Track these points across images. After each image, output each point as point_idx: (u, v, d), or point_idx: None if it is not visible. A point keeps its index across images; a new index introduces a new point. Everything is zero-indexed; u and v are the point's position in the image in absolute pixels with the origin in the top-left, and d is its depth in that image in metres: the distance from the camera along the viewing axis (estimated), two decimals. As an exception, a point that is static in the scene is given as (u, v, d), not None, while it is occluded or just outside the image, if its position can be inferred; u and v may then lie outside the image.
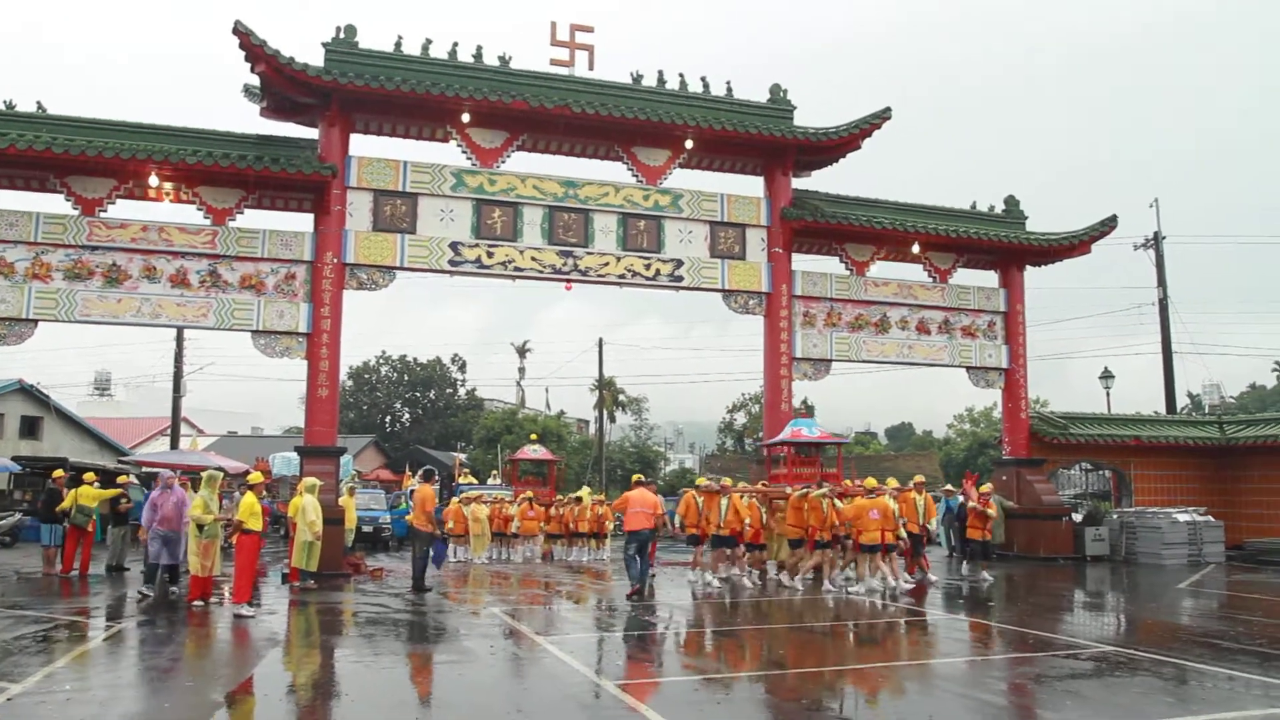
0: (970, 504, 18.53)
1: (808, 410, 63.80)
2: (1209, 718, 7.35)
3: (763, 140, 21.73)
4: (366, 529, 26.11)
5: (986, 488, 19.40)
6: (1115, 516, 24.55)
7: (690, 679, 8.88)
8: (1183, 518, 23.23)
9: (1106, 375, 35.17)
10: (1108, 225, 24.44)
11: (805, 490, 16.59)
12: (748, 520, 17.19)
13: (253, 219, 19.55)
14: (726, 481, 18.09)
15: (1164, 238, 33.29)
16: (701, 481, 18.27)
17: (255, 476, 14.15)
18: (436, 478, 17.36)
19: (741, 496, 17.48)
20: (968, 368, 24.28)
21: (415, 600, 14.80)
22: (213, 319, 18.74)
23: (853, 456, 25.23)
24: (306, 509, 15.81)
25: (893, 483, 18.04)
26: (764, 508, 17.84)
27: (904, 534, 16.72)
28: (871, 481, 17.32)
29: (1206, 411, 57.54)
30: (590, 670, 9.20)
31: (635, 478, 17.90)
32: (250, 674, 9.13)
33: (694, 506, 17.32)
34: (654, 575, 17.63)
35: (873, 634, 12.23)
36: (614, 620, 13.35)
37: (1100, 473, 28.21)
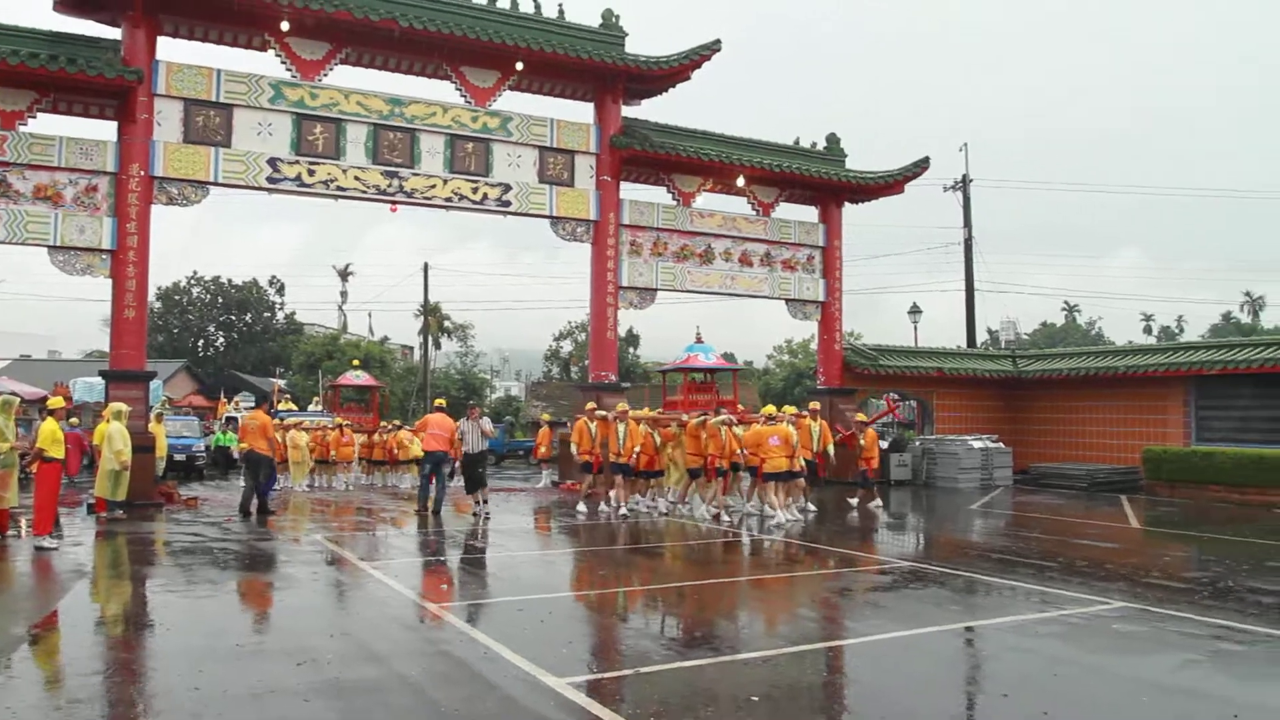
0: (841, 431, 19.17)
1: (633, 339, 64.83)
2: (990, 621, 8.07)
3: (594, 66, 21.60)
4: (179, 457, 25.20)
5: (861, 416, 19.94)
6: (918, 443, 26.14)
7: (511, 599, 9.06)
8: (977, 444, 24.97)
9: (915, 310, 37.07)
10: (920, 166, 25.59)
11: (704, 417, 16.42)
12: (637, 447, 16.91)
13: (48, 124, 18.16)
14: (623, 407, 17.79)
15: (971, 180, 35.10)
16: (592, 406, 18.10)
17: (56, 401, 13.40)
18: (280, 404, 17.52)
19: (638, 424, 17.21)
20: (787, 300, 25.12)
21: (232, 529, 14.44)
22: (2, 232, 17.32)
23: (680, 385, 25.82)
24: (113, 436, 15.06)
25: (790, 409, 18.31)
26: (655, 434, 17.53)
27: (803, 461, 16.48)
28: (770, 409, 17.63)
29: (1003, 347, 61.59)
30: (413, 593, 9.27)
31: (437, 402, 18.33)
32: (55, 607, 8.77)
33: (587, 433, 17.26)
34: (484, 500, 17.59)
35: (695, 554, 12.73)
36: (439, 545, 13.43)
37: (907, 402, 29.89)
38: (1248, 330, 74.42)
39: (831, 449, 18.39)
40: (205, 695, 5.67)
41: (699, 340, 22.90)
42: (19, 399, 14.78)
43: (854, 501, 18.72)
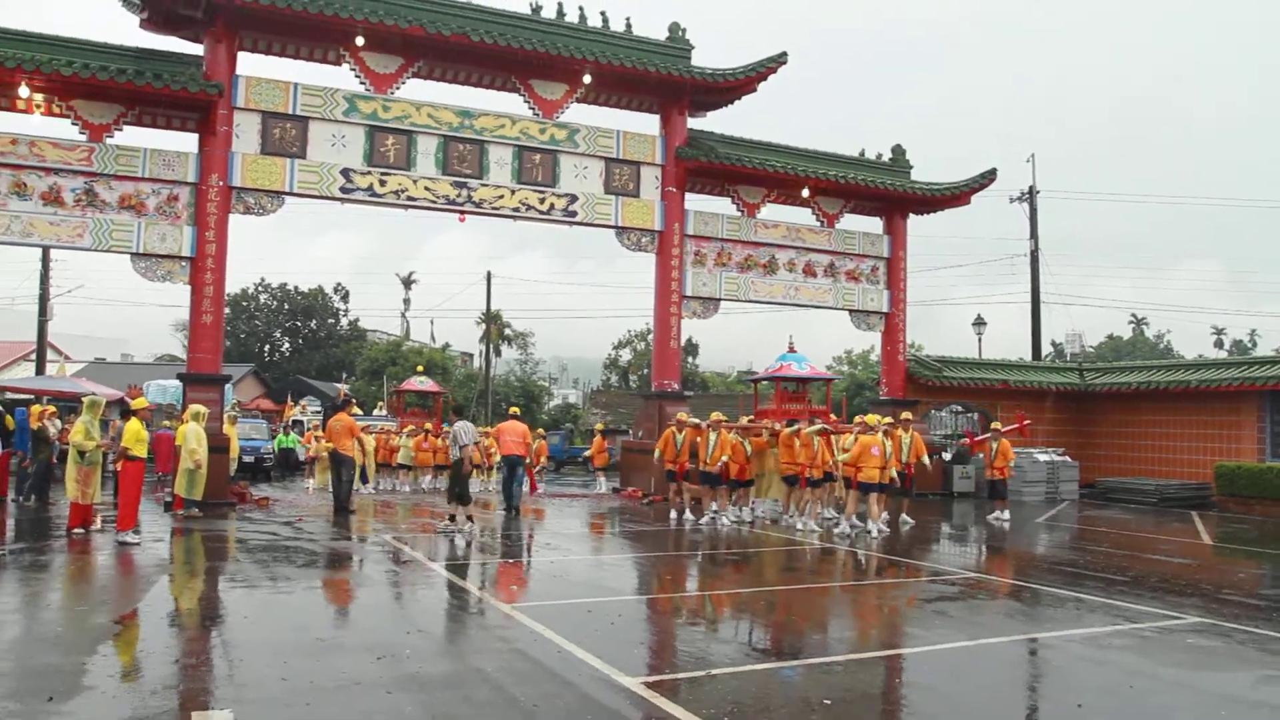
0: (975, 438, 18.86)
1: (691, 348, 64.91)
2: (1060, 633, 8.03)
3: (660, 79, 21.80)
4: (248, 459, 25.75)
5: (997, 425, 19.61)
6: (981, 456, 25.83)
7: (580, 601, 9.20)
8: (1043, 457, 24.67)
9: (979, 322, 36.72)
10: (987, 178, 25.39)
11: (796, 426, 16.35)
12: (725, 458, 16.63)
13: (133, 137, 18.75)
14: (717, 416, 17.74)
15: (1038, 191, 34.70)
16: (683, 416, 18.02)
17: (140, 402, 13.83)
18: (354, 406, 17.95)
19: (730, 433, 17.04)
20: (850, 310, 25.06)
21: (304, 528, 14.80)
22: (89, 239, 18.02)
23: (737, 395, 25.97)
24: (190, 437, 15.54)
25: (883, 420, 18.13)
26: (747, 444, 17.33)
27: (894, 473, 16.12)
28: (873, 418, 17.43)
29: (1068, 359, 60.60)
30: (486, 593, 9.45)
31: (511, 410, 18.93)
32: (141, 599, 9.09)
33: (672, 442, 17.24)
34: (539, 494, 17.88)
35: (773, 562, 12.78)
36: (500, 546, 13.64)
37: (970, 415, 29.59)
38: (1324, 346, 72.36)
39: (927, 459, 18.03)
40: (293, 686, 5.88)
41: (791, 349, 22.93)
42: (104, 400, 15.30)
43: (994, 516, 18.37)
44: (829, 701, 5.82)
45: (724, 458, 16.54)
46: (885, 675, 6.65)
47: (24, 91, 17.53)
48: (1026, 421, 20.08)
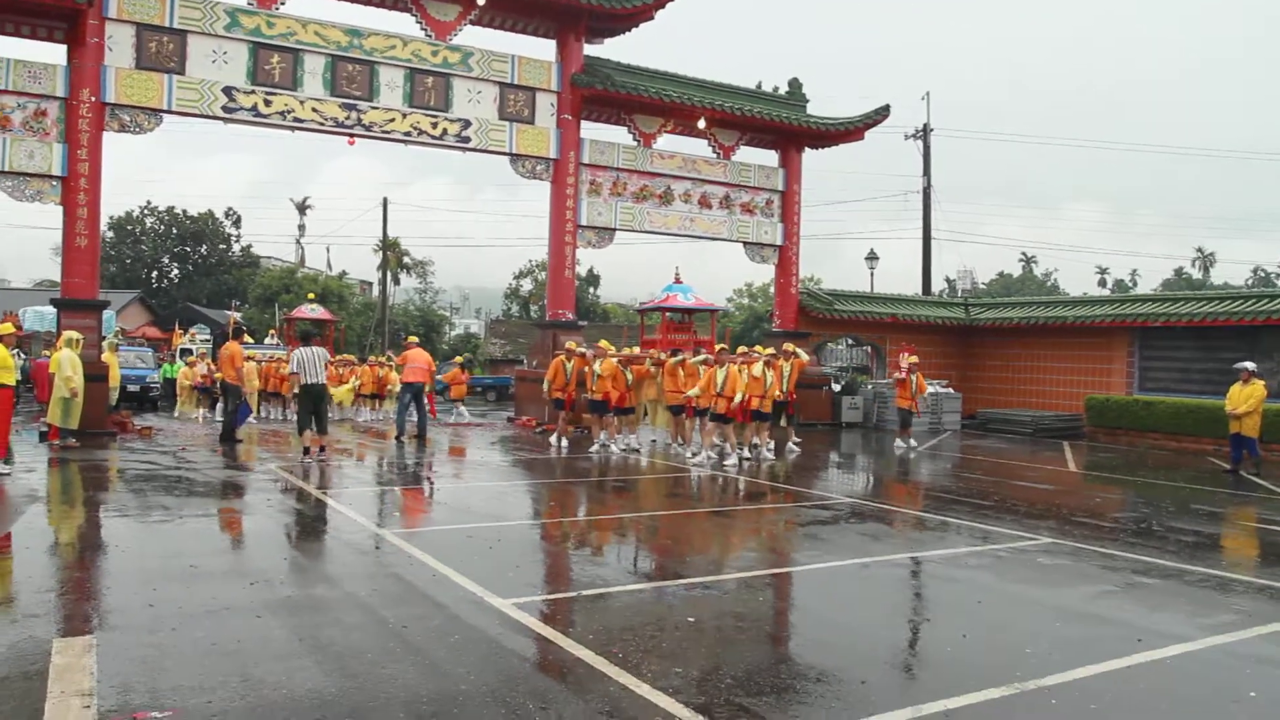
0: (896, 375, 19.24)
1: (593, 279, 64.85)
2: (923, 554, 8.43)
3: (556, 2, 21.42)
4: (133, 388, 25.03)
5: (914, 359, 20.07)
6: (870, 387, 26.61)
7: (461, 526, 9.29)
8: (928, 389, 25.45)
9: (872, 256, 37.37)
10: (881, 114, 25.71)
11: (681, 356, 16.52)
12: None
13: (-6, 47, 17.72)
14: (603, 344, 17.80)
15: (932, 130, 35.32)
16: (571, 345, 18.00)
17: (6, 327, 13.27)
18: (245, 335, 17.62)
19: (613, 361, 17.11)
20: (745, 243, 25.30)
21: (186, 457, 14.53)
22: (-51, 156, 17.05)
23: (640, 325, 26.20)
24: (63, 364, 15.01)
25: (765, 351, 18.34)
26: (628, 372, 17.32)
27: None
28: (742, 348, 17.53)
29: (959, 295, 62.32)
30: (369, 521, 9.46)
31: (410, 339, 18.86)
32: (9, 529, 8.85)
33: (562, 371, 17.29)
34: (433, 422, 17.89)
35: (653, 489, 13.03)
36: (393, 475, 13.63)
37: (863, 348, 30.33)
38: (1198, 285, 75.85)
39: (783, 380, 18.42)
40: (160, 612, 5.85)
41: (678, 280, 23.09)
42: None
43: (902, 444, 18.94)
44: (692, 619, 6.04)
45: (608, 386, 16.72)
46: (753, 594, 6.90)
47: (-128, -6, 16.38)
48: (913, 359, 20.54)
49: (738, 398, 15.36)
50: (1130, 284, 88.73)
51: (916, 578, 7.71)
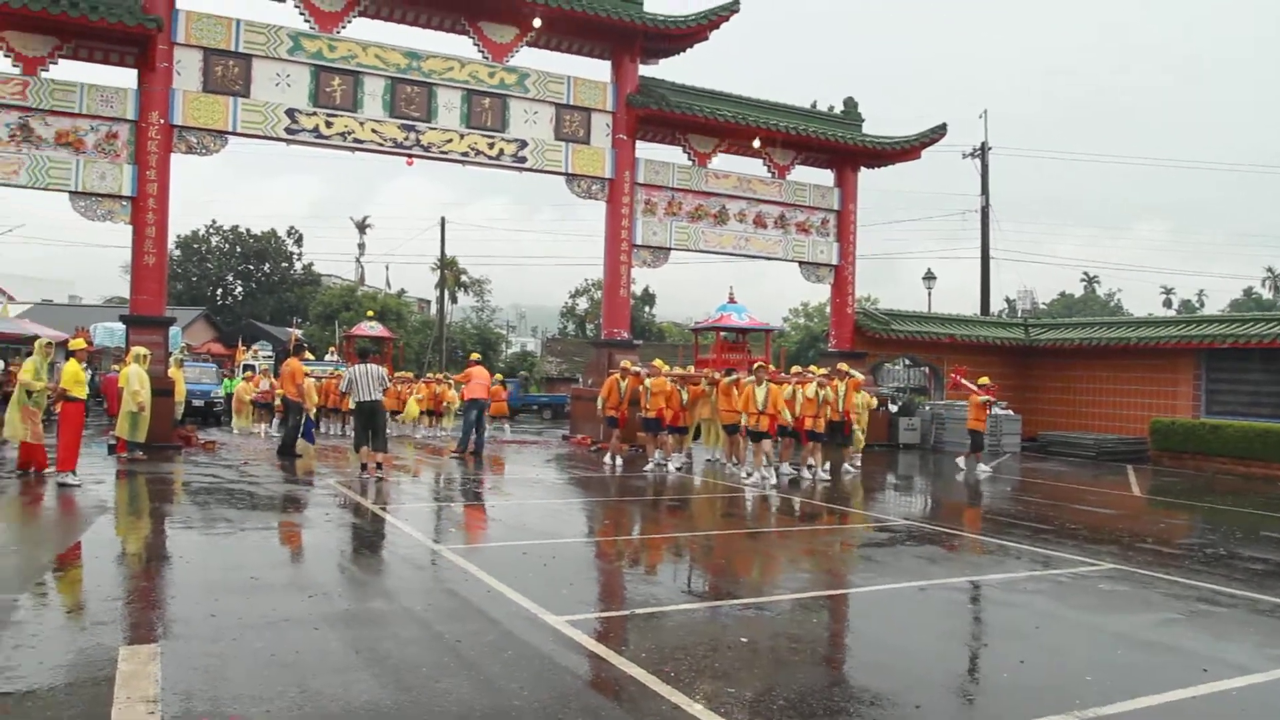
0: (976, 397, 18.93)
1: (648, 298, 65.00)
2: (981, 578, 8.31)
3: (612, 24, 21.60)
4: (197, 403, 25.58)
5: (985, 380, 19.79)
6: (927, 408, 26.31)
7: (516, 543, 9.34)
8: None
9: (929, 276, 37.10)
10: (937, 132, 25.53)
11: (735, 376, 16.41)
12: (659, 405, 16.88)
13: (69, 71, 18.28)
14: (658, 363, 17.86)
15: (990, 148, 34.96)
16: (626, 364, 18.10)
17: (78, 343, 13.71)
18: (306, 352, 17.95)
19: (666, 380, 17.20)
20: (800, 262, 25.22)
21: (249, 471, 14.80)
22: (25, 176, 17.60)
23: (694, 345, 26.24)
24: (132, 379, 15.40)
25: (817, 370, 18.29)
26: (683, 391, 17.40)
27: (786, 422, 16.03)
28: (796, 369, 17.48)
29: (1019, 316, 61.49)
30: (425, 537, 9.56)
31: (473, 356, 19.09)
32: (79, 539, 9.09)
33: (616, 390, 17.38)
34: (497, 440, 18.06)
35: (708, 508, 13.01)
36: (450, 492, 13.76)
37: (920, 368, 30.01)
38: (1267, 306, 73.97)
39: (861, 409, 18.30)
40: (221, 623, 5.96)
41: (731, 300, 23.11)
42: (52, 343, 15.09)
43: (960, 462, 18.75)
44: (746, 640, 6.01)
45: (661, 404, 16.85)
46: (807, 616, 6.85)
47: (-47, 22, 17.00)
48: (964, 380, 20.22)
49: (785, 414, 15.30)
50: (1197, 304, 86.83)
51: (974, 602, 7.60)
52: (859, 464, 18.27)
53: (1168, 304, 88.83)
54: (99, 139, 18.13)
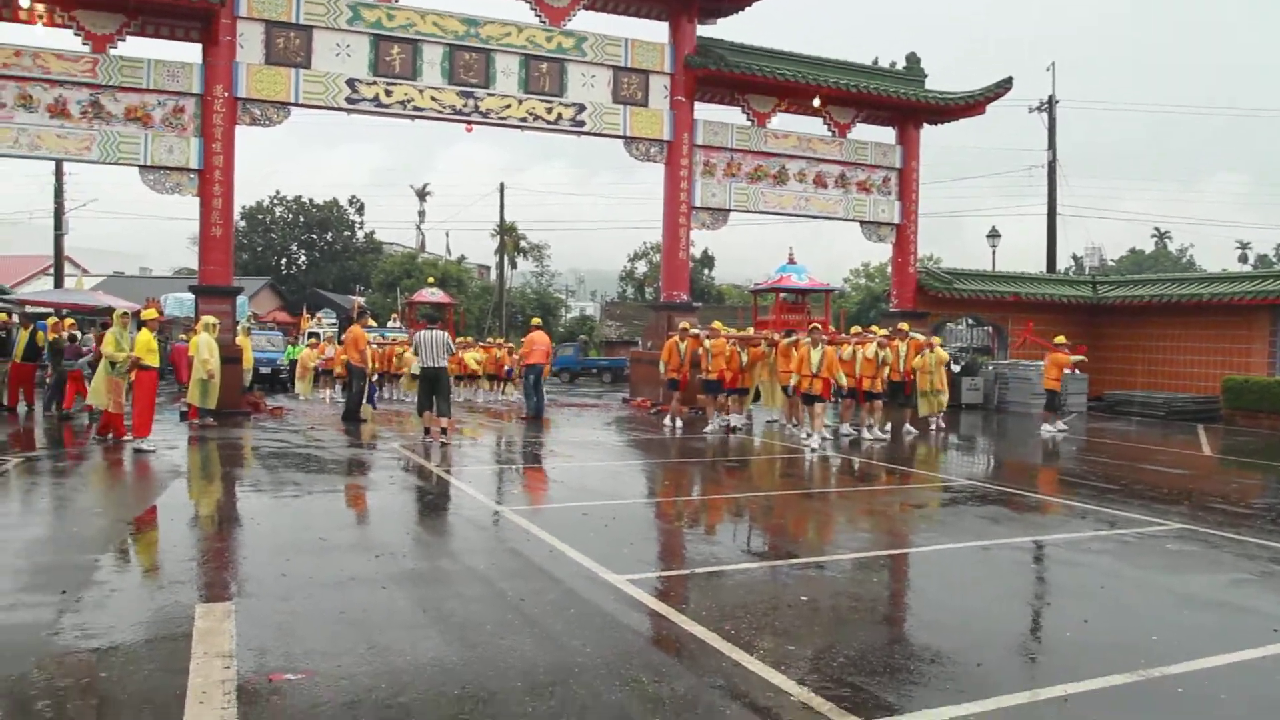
0: (1060, 356, 18.67)
1: (707, 260, 64.74)
2: (1046, 538, 8.22)
3: (669, -17, 21.39)
4: (264, 370, 26.12)
5: (1061, 339, 19.51)
6: (991, 368, 25.94)
7: (577, 504, 9.44)
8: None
9: (993, 234, 36.44)
10: (1002, 87, 24.93)
11: (795, 337, 16.32)
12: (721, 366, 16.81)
13: (136, 47, 18.70)
14: (717, 325, 17.78)
15: (1057, 101, 34.08)
16: (685, 325, 18.10)
17: (150, 313, 14.07)
18: (368, 319, 18.28)
19: (727, 342, 17.14)
20: (861, 222, 24.89)
21: (315, 436, 15.12)
22: (97, 152, 18.02)
23: (753, 306, 26.13)
24: (202, 348, 15.79)
25: (880, 331, 18.10)
26: (743, 353, 17.21)
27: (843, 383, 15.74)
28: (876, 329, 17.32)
29: (1087, 273, 60.14)
30: (488, 498, 9.71)
31: (534, 321, 19.18)
32: (155, 502, 9.39)
33: (675, 351, 17.45)
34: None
35: (761, 469, 13.02)
36: (511, 455, 13.93)
37: (984, 327, 29.57)
38: (1349, 258, 71.41)
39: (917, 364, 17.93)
40: (292, 581, 6.13)
41: (791, 261, 22.93)
42: (128, 313, 15.51)
43: (1049, 429, 18.31)
44: (805, 598, 6.04)
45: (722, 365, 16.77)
46: (867, 575, 6.85)
47: (25, 1, 17.38)
48: (1040, 339, 19.82)
49: (841, 378, 15.15)
50: (1275, 260, 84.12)
51: (1038, 562, 7.53)
52: (943, 424, 17.99)
53: (1243, 259, 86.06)
54: (166, 113, 18.47)
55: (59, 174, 34.35)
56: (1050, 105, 34.09)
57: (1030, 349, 27.00)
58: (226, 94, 18.63)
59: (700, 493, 10.97)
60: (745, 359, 17.22)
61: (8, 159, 18.25)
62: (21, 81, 17.54)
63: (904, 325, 18.19)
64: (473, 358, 25.18)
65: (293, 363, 28.93)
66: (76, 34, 18.05)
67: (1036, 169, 35.66)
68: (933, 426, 17.70)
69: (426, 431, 14.52)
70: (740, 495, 10.63)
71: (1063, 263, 44.04)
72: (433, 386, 14.52)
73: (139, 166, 18.35)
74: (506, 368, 25.28)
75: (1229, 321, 23.62)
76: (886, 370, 16.75)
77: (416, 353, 14.91)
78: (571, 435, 16.46)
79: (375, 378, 23.07)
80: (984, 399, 25.00)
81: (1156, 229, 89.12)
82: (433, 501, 9.78)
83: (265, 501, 9.32)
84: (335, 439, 14.94)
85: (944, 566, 7.19)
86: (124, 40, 18.40)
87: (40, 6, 17.73)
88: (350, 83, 19.60)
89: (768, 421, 18.64)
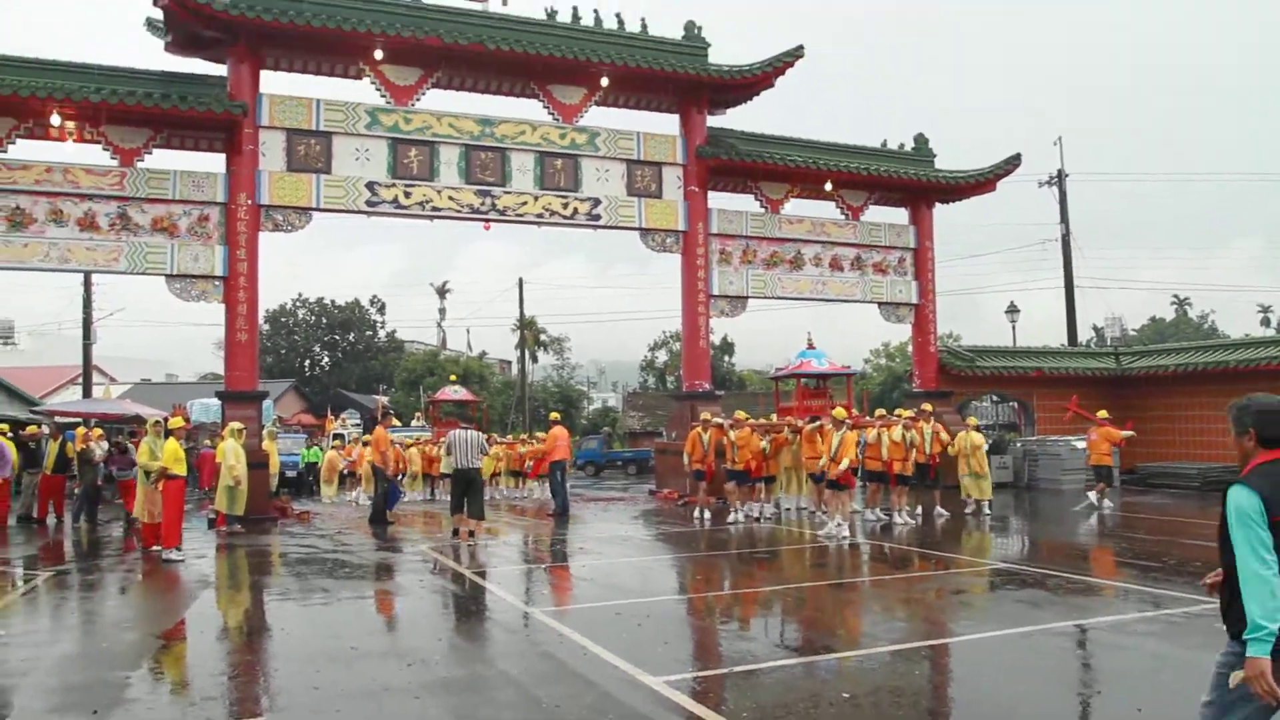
0: (1097, 429, 18.56)
1: (727, 347, 64.89)
2: (1088, 621, 8.01)
3: (678, 78, 21.87)
4: (290, 474, 26.15)
5: (1104, 414, 19.37)
6: (1019, 445, 25.67)
7: (609, 603, 9.30)
8: (1081, 445, 24.34)
9: (1012, 310, 36.34)
10: (1012, 163, 25.20)
11: (819, 422, 16.08)
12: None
13: (162, 159, 19.18)
14: (740, 414, 17.69)
15: (1067, 175, 34.32)
16: (707, 416, 18.02)
17: (176, 421, 14.15)
18: (392, 419, 18.19)
19: (751, 431, 16.94)
20: (879, 303, 24.97)
21: (343, 540, 15.05)
22: (124, 263, 18.39)
23: (774, 392, 26.06)
24: (228, 454, 15.84)
25: (904, 413, 17.93)
26: (765, 441, 17.25)
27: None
28: (840, 412, 17.10)
29: (1108, 344, 59.85)
30: (518, 600, 9.59)
31: (553, 415, 19.16)
32: (184, 614, 9.32)
33: (699, 442, 17.31)
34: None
35: (798, 558, 12.83)
36: (540, 553, 13.80)
37: (1009, 404, 29.36)
38: (1373, 319, 70.85)
39: (953, 450, 17.80)
40: (324, 694, 6.03)
41: (810, 346, 22.94)
42: (160, 422, 15.59)
43: (1092, 498, 18.18)
44: (847, 695, 5.88)
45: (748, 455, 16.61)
46: (909, 667, 6.68)
47: (56, 119, 17.92)
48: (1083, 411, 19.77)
49: (843, 464, 14.90)
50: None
51: (1083, 647, 7.34)
52: (988, 509, 17.49)
53: (1265, 323, 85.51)
54: (191, 222, 18.87)
55: (87, 285, 34.98)
56: (1060, 179, 34.33)
57: (1064, 424, 26.80)
58: (250, 202, 19.03)
59: (732, 586, 10.81)
60: (768, 447, 17.11)
61: (39, 273, 18.57)
62: (53, 197, 18.03)
63: (927, 406, 18.06)
64: (494, 453, 25.14)
65: (308, 465, 28.99)
66: (105, 149, 18.60)
67: (1050, 242, 35.83)
68: (985, 512, 17.24)
69: (455, 532, 14.36)
70: (772, 587, 10.45)
71: (1083, 334, 43.98)
72: (466, 488, 14.28)
73: (165, 276, 18.70)
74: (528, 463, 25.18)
75: (1260, 387, 23.24)
76: (914, 453, 16.60)
77: (449, 453, 14.74)
78: (599, 530, 16.32)
79: (400, 478, 23.07)
80: (1014, 476, 24.69)
81: (1176, 296, 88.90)
82: (463, 604, 9.66)
83: (294, 610, 9.23)
84: (363, 543, 14.86)
85: (986, 655, 7.00)
86: (150, 153, 18.94)
87: (70, 124, 18.27)
88: (370, 186, 20.00)
89: (787, 510, 18.38)
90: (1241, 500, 3.43)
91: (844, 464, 14.57)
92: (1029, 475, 24.59)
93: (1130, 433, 18.85)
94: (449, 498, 15.65)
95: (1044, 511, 18.55)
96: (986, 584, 10.10)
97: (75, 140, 18.59)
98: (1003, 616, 8.38)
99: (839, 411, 15.75)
